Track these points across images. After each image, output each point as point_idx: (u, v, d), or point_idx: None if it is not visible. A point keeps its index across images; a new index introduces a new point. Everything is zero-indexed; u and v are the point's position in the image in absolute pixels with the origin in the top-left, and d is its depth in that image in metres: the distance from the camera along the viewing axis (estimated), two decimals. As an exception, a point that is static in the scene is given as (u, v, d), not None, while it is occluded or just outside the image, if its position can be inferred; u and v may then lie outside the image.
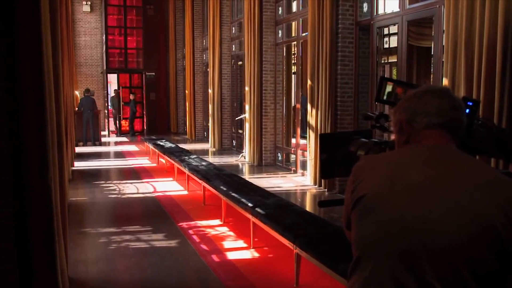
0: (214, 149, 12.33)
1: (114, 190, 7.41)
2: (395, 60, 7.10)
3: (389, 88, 1.63)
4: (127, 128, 17.01)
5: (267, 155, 9.57)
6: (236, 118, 11.47)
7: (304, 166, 8.27)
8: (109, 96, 17.66)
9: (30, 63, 2.38)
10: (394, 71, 8.37)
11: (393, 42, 7.64)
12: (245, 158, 10.11)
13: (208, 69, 12.96)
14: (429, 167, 1.20)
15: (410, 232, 1.14)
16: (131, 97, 16.41)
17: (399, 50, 6.03)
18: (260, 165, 9.51)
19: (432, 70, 5.40)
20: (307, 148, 7.54)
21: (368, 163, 1.31)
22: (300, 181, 7.89)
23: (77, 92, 15.34)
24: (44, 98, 2.36)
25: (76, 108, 13.81)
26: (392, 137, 1.44)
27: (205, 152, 12.12)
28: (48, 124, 2.39)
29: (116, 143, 14.11)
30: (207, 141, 13.63)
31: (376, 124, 1.77)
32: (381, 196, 1.20)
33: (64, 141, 3.21)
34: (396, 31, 6.54)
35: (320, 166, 1.89)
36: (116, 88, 17.14)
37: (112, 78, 18.14)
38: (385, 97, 1.65)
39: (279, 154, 9.51)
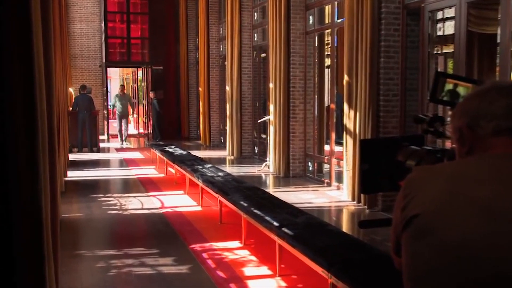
0: (232, 157, 12.37)
1: (115, 205, 7.49)
2: (451, 50, 7.01)
3: (448, 86, 1.60)
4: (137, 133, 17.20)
5: (296, 165, 9.54)
6: (259, 121, 11.49)
7: (339, 178, 8.23)
8: (109, 94, 17.92)
9: (18, 57, 2.43)
10: (450, 64, 8.26)
11: (449, 28, 7.54)
12: (269, 168, 10.11)
13: (226, 63, 13.04)
14: (498, 182, 1.17)
15: (476, 259, 1.11)
16: (152, 95, 16.38)
17: (456, 38, 5.94)
18: (287, 177, 9.50)
19: (498, 62, 5.30)
20: (344, 156, 7.50)
21: (423, 176, 1.27)
22: (335, 196, 7.86)
23: (71, 89, 15.62)
24: (35, 97, 2.40)
25: (70, 108, 14.06)
26: (448, 143, 1.41)
27: (222, 160, 12.14)
28: (39, 127, 2.43)
29: (118, 150, 14.30)
30: (224, 148, 13.69)
31: (429, 129, 1.74)
32: (439, 215, 1.17)
33: (57, 147, 3.26)
34: (452, 15, 6.45)
35: (360, 178, 1.86)
36: (122, 83, 17.21)
37: (113, 73, 18.43)
38: (442, 96, 1.61)
39: (309, 163, 9.48)
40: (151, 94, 16.44)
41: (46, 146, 2.67)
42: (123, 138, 15.70)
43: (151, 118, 16.80)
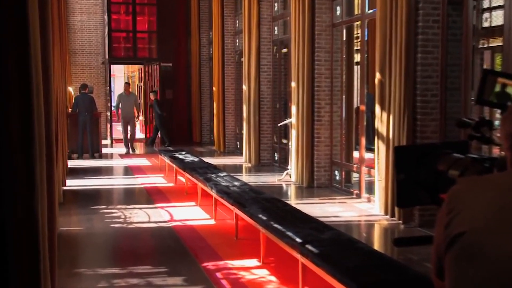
0: (249, 165, 12.38)
1: (118, 217, 7.54)
2: (500, 43, 6.93)
3: (497, 85, 1.58)
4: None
5: (321, 174, 9.50)
6: (279, 124, 11.48)
7: (370, 189, 8.18)
8: (112, 93, 18.06)
9: (13, 53, 2.45)
10: (498, 59, 8.16)
11: (497, 19, 7.46)
12: (290, 177, 10.09)
13: (242, 59, 13.07)
14: None
15: None
16: (152, 96, 16.28)
17: (505, 30, 5.87)
18: (311, 187, 9.47)
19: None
20: (375, 164, 7.45)
21: (469, 188, 1.26)
22: (365, 209, 7.82)
23: (70, 89, 15.81)
24: (32, 98, 2.42)
25: (70, 110, 14.20)
26: (496, 150, 1.39)
27: (238, 168, 12.14)
28: (36, 131, 2.45)
29: (122, 156, 14.41)
30: (241, 154, 13.72)
31: (475, 134, 1.71)
32: (489, 233, 1.15)
33: (55, 153, 3.29)
34: (501, 3, 6.38)
35: (396, 190, 1.85)
36: (127, 81, 16.88)
37: (117, 71, 18.56)
38: (490, 97, 1.59)
39: (336, 172, 9.44)
40: (151, 96, 16.28)
41: (44, 152, 2.69)
42: (129, 145, 14.96)
43: (153, 121, 16.88)
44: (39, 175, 2.49)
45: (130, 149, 14.95)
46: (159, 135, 16.86)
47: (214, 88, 15.55)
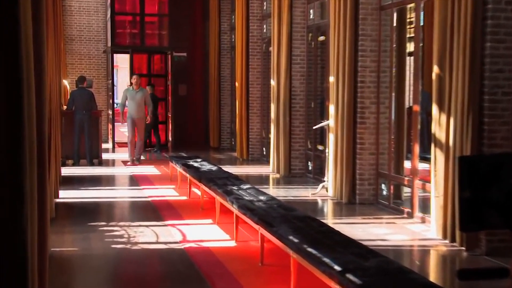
0: (278, 176, 12.36)
1: (121, 236, 7.56)
2: None
3: None
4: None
5: (364, 187, 9.45)
6: (314, 127, 11.44)
7: (425, 207, 8.10)
8: (115, 88, 18.18)
9: (2, 42, 2.47)
10: None
11: None
12: (327, 191, 10.05)
13: (271, 48, 13.06)
14: None
15: None
16: (149, 90, 15.99)
17: None
18: (353, 203, 9.42)
19: None
20: (431, 177, 7.38)
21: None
22: (418, 231, 7.74)
23: (65, 82, 15.96)
24: (22, 95, 2.44)
25: (65, 107, 14.33)
26: None
27: (264, 179, 12.10)
28: (26, 134, 2.47)
29: (126, 163, 14.49)
30: (267, 163, 13.71)
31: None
32: None
33: (47, 159, 3.31)
34: None
35: (459, 209, 1.82)
36: (135, 75, 14.95)
37: (121, 61, 18.66)
38: None
39: (383, 186, 9.38)
40: (148, 90, 15.85)
41: (35, 158, 2.71)
42: (134, 154, 14.22)
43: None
44: (29, 186, 2.51)
45: (135, 160, 14.22)
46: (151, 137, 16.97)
47: (236, 83, 15.59)
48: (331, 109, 9.96)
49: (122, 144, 17.31)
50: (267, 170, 13.05)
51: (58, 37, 9.78)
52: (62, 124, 13.03)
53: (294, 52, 12.35)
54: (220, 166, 10.58)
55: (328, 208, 9.49)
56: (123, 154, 15.67)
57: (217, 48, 17.68)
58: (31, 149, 2.63)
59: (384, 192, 9.35)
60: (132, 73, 17.28)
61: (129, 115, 14.18)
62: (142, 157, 14.70)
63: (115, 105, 18.24)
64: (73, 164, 13.91)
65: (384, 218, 8.54)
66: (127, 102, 14.24)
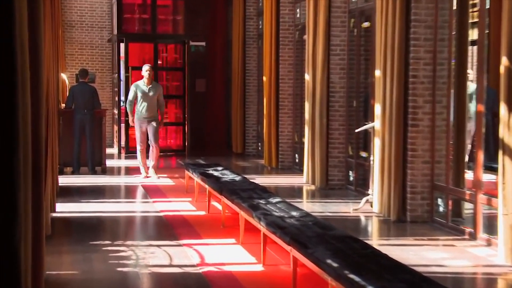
0: (313, 187, 12.34)
1: (128, 258, 7.57)
2: None
3: None
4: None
5: (416, 202, 9.36)
6: (357, 130, 11.37)
7: (491, 227, 8.03)
8: (121, 83, 18.21)
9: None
10: None
11: None
12: (372, 207, 9.99)
13: (305, 37, 13.04)
14: None
15: None
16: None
17: None
18: (403, 221, 9.35)
19: None
20: (499, 191, 7.31)
21: None
22: (483, 256, 7.66)
23: (64, 76, 16.04)
24: (16, 93, 2.43)
25: (63, 105, 14.41)
26: None
27: (296, 192, 12.07)
28: (21, 138, 2.45)
29: (131, 171, 14.53)
30: (300, 172, 13.67)
31: None
32: None
33: (44, 167, 3.30)
34: None
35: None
36: (147, 65, 13.76)
37: (131, 52, 18.66)
38: None
39: (439, 201, 9.31)
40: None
41: (30, 166, 2.70)
42: (147, 167, 13.62)
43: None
44: (22, 198, 2.50)
45: (151, 174, 13.55)
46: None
47: (264, 78, 15.58)
48: (377, 108, 9.90)
49: (130, 149, 17.36)
50: (300, 180, 13.02)
51: (55, 23, 9.83)
52: (60, 125, 13.10)
53: (333, 41, 12.30)
54: (245, 176, 10.56)
55: (373, 226, 9.45)
56: (131, 161, 15.70)
57: (242, 36, 17.70)
58: (25, 156, 2.62)
59: (441, 209, 9.27)
60: (127, 66, 17.31)
61: (138, 116, 13.48)
62: (158, 176, 13.53)
63: (121, 103, 18.23)
64: (73, 173, 14.00)
65: (441, 240, 8.45)
66: (138, 100, 13.39)
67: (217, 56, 19.09)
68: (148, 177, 13.48)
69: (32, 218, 3.25)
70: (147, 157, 13.78)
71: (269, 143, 15.12)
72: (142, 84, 13.45)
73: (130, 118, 14.22)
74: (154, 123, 13.49)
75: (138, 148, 13.59)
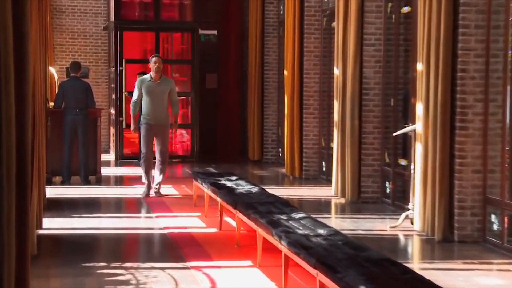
0: (343, 201, 12.34)
1: (126, 283, 7.57)
2: None
3: None
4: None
5: (466, 219, 9.33)
6: (395, 134, 11.34)
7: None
8: (118, 77, 18.16)
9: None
10: None
11: None
12: (412, 224, 9.95)
13: (334, 24, 13.05)
14: None
15: None
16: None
17: None
18: (449, 241, 9.32)
19: None
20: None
21: None
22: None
23: (52, 70, 16.08)
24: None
25: (51, 104, 14.46)
26: None
27: (323, 206, 12.09)
28: (4, 145, 2.45)
29: (131, 180, 14.54)
30: (328, 183, 13.69)
31: None
32: None
33: (30, 178, 3.29)
34: None
35: None
36: (155, 56, 13.05)
37: (128, 41, 18.69)
38: None
39: (493, 217, 9.27)
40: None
41: (13, 176, 2.69)
42: (151, 183, 12.87)
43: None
44: (6, 213, 2.50)
45: (154, 191, 12.84)
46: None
47: (285, 72, 15.61)
48: (419, 108, 9.86)
49: (129, 154, 17.39)
50: (328, 192, 13.02)
51: (43, 8, 9.86)
52: (48, 127, 13.12)
53: (366, 29, 12.29)
54: (263, 187, 10.57)
55: (414, 247, 9.43)
56: (131, 169, 15.73)
57: (260, 23, 17.71)
58: (9, 164, 2.62)
59: (495, 226, 9.24)
60: (121, 59, 17.30)
61: (144, 119, 12.73)
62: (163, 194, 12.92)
63: (122, 98, 18.20)
64: (62, 183, 14.04)
65: (495, 263, 8.42)
66: (143, 98, 12.69)
67: (231, 46, 19.10)
68: (152, 195, 12.67)
69: (16, 236, 3.25)
70: (153, 175, 12.87)
71: (291, 148, 15.13)
72: (149, 79, 12.71)
73: (133, 125, 13.01)
74: (164, 129, 12.75)
75: (142, 155, 12.92)
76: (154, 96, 12.62)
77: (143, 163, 12.88)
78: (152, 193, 12.73)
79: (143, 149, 12.95)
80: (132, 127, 13.09)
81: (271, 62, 17.70)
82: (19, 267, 3.41)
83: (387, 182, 12.20)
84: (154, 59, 12.79)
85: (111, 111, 19.06)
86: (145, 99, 12.66)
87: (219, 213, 10.01)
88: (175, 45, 19.77)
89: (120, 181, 15.20)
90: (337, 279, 5.73)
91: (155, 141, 12.80)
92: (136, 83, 12.98)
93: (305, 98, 14.92)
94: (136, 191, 13.35)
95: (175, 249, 9.04)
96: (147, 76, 12.83)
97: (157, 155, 12.76)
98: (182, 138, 18.81)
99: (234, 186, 10.29)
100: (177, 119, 13.62)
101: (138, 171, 14.62)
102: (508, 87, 9.24)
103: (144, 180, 12.93)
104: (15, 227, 3.16)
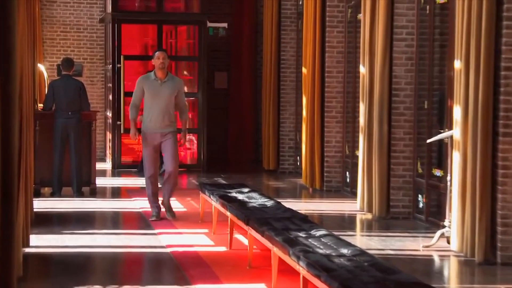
0: (369, 216, 12.37)
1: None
2: None
3: None
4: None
5: (510, 238, 9.30)
6: (429, 140, 11.32)
7: None
8: (116, 75, 18.17)
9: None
10: None
11: None
12: (449, 243, 9.93)
13: (360, 16, 13.10)
14: None
15: None
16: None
17: None
18: (491, 263, 9.28)
19: None
20: None
21: None
22: None
23: (42, 68, 16.11)
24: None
25: (41, 106, 14.48)
26: None
27: (347, 222, 12.13)
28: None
29: (129, 192, 14.53)
30: (353, 196, 13.72)
31: None
32: None
33: (17, 190, 3.28)
34: None
35: None
36: (160, 51, 12.26)
37: (126, 36, 18.74)
38: None
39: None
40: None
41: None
42: (158, 201, 12.17)
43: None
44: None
45: (167, 212, 12.14)
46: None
47: (303, 70, 15.65)
48: (457, 111, 9.85)
49: (128, 163, 17.41)
50: (353, 207, 13.04)
51: (31, 1, 9.88)
52: (37, 132, 13.15)
53: (397, 22, 12.29)
54: (279, 200, 10.57)
55: (451, 269, 9.40)
56: (130, 180, 15.72)
57: (276, 15, 17.76)
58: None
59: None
60: (119, 55, 17.31)
61: (146, 127, 12.02)
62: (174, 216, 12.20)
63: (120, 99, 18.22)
64: (52, 194, 14.07)
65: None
66: (145, 101, 12.07)
67: (243, 41, 19.13)
68: (157, 217, 11.96)
69: (1, 255, 3.24)
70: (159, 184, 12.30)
71: (311, 157, 15.16)
72: (153, 78, 12.04)
73: (133, 130, 12.17)
74: (171, 137, 12.02)
75: (147, 174, 12.10)
76: (159, 98, 11.93)
77: (149, 184, 12.03)
78: (165, 212, 12.02)
79: (147, 168, 12.07)
80: (131, 132, 12.18)
81: (288, 59, 17.72)
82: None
83: (419, 196, 12.16)
84: (158, 54, 12.06)
85: (108, 114, 19.08)
86: (147, 102, 12.00)
87: (229, 229, 10.01)
88: (180, 40, 19.79)
89: (118, 193, 15.22)
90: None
91: (162, 151, 12.14)
92: (137, 82, 12.31)
93: (327, 100, 14.93)
94: (135, 205, 13.38)
95: (179, 270, 9.03)
96: (150, 75, 12.20)
97: (165, 163, 12.20)
98: (188, 145, 18.80)
99: (246, 199, 10.29)
100: (186, 131, 12.51)
101: (138, 181, 14.70)
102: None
103: (152, 206, 12.08)
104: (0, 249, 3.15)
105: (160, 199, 12.18)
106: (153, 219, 11.91)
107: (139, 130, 12.25)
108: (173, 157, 11.98)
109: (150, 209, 12.31)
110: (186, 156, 18.72)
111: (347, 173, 14.75)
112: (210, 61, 18.41)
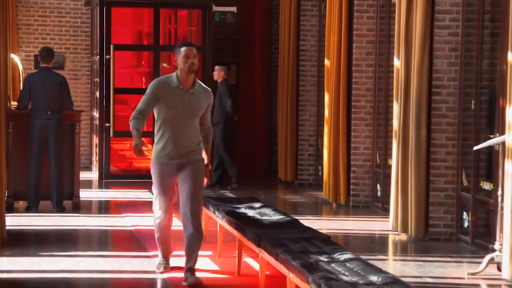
0: (404, 237, 12.39)
1: None
2: None
3: None
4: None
5: None
6: (476, 147, 11.30)
7: None
8: (104, 68, 18.21)
9: None
10: None
11: None
12: (500, 270, 9.90)
13: (394, 0, 13.04)
14: None
15: None
16: (218, 75, 16.77)
17: None
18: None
19: None
20: None
21: None
22: None
23: (16, 59, 16.14)
24: None
25: (14, 104, 14.53)
26: None
27: (378, 244, 12.15)
28: None
29: (119, 207, 14.56)
30: (385, 212, 13.78)
31: None
32: None
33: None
34: None
35: None
36: (187, 45, 10.33)
37: (117, 21, 18.78)
38: None
39: None
40: (218, 74, 16.03)
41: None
42: (190, 264, 9.89)
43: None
44: None
45: (189, 277, 9.70)
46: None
47: (326, 62, 15.70)
48: (510, 113, 9.82)
49: (118, 173, 17.42)
50: (384, 226, 13.09)
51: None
52: (9, 135, 13.16)
53: (439, 6, 12.30)
54: (296, 218, 10.56)
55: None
56: (122, 193, 15.75)
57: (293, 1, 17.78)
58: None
59: None
60: (109, 44, 17.33)
61: (160, 154, 9.96)
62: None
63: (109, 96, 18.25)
64: (28, 209, 14.07)
65: None
66: (156, 116, 10.04)
67: (255, 29, 19.20)
68: (166, 267, 10.28)
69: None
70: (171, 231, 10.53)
71: (335, 166, 15.19)
72: (175, 84, 9.84)
73: (136, 141, 9.56)
74: (196, 170, 9.92)
75: (157, 215, 10.20)
76: (183, 114, 9.80)
77: (157, 228, 10.28)
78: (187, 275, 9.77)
79: (159, 206, 10.11)
80: (135, 142, 9.58)
81: (308, 50, 17.75)
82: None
83: (464, 213, 12.15)
84: (186, 50, 9.78)
85: (94, 114, 19.12)
86: (164, 118, 9.87)
87: (237, 252, 10.03)
88: (181, 27, 19.88)
89: (106, 208, 15.25)
90: None
91: (180, 187, 9.96)
92: (151, 86, 9.98)
93: (354, 99, 14.95)
94: (125, 222, 13.40)
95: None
96: (171, 79, 9.90)
97: (184, 208, 9.82)
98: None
99: (258, 216, 10.30)
100: (209, 164, 10.40)
101: (129, 194, 14.66)
102: None
103: (160, 256, 10.43)
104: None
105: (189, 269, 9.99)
106: (159, 271, 10.21)
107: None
108: (197, 200, 9.87)
109: (144, 227, 12.30)
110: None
111: (378, 185, 14.77)
112: (216, 51, 18.44)
